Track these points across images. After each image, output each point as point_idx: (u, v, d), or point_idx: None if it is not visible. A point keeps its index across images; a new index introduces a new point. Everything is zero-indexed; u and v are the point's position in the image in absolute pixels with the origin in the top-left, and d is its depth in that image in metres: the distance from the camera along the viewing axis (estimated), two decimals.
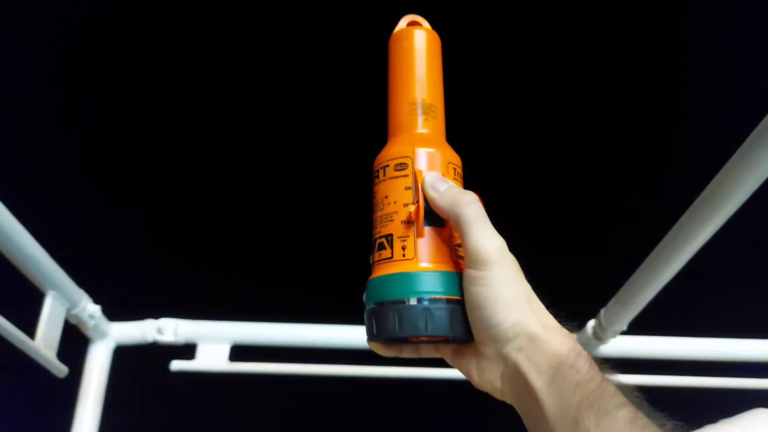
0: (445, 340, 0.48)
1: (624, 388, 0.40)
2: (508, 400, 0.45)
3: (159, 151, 1.51)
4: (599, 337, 1.23)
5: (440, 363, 1.30)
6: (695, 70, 1.41)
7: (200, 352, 1.29)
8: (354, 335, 1.28)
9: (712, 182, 0.80)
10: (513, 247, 0.47)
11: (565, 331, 0.43)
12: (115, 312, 1.25)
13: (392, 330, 0.46)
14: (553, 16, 1.37)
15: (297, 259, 1.58)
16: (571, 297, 0.46)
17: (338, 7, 1.34)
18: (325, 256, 1.51)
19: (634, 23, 1.39)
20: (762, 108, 0.67)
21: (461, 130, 0.59)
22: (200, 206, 1.56)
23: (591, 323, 1.24)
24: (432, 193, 0.47)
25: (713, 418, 0.39)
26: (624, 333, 1.21)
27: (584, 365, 0.40)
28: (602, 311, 1.20)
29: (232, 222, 1.59)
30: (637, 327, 1.19)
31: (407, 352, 0.51)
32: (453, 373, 1.28)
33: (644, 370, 1.24)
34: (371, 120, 0.55)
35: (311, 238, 1.56)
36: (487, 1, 1.35)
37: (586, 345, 1.25)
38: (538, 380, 0.41)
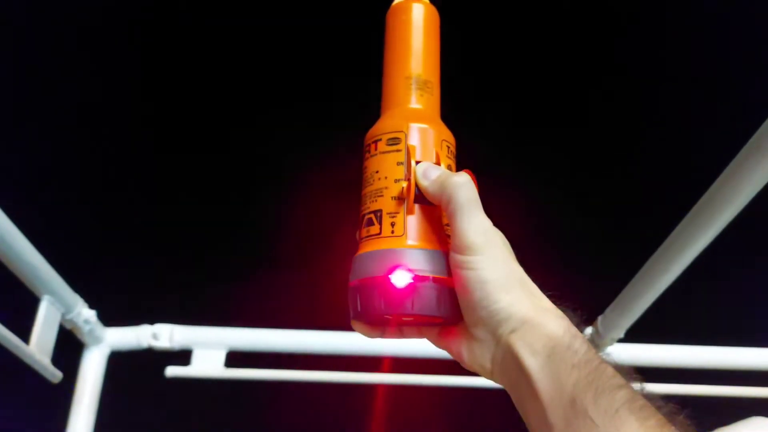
0: (430, 321, 0.47)
1: (622, 371, 0.40)
2: (498, 382, 0.44)
3: (158, 158, 1.51)
4: (596, 344, 1.23)
5: (438, 369, 1.29)
6: (703, 68, 1.41)
7: (196, 358, 1.28)
8: (351, 341, 1.27)
9: (711, 189, 0.80)
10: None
11: (559, 312, 0.43)
12: (110, 317, 1.24)
13: (377, 308, 0.45)
14: (551, 8, 1.36)
15: (294, 265, 1.58)
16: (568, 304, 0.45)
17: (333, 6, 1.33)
18: (324, 262, 1.51)
19: (636, 18, 1.39)
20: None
21: (457, 117, 0.58)
22: (197, 212, 1.56)
23: (588, 331, 1.24)
24: (424, 182, 0.46)
25: (711, 427, 0.38)
26: (621, 341, 1.21)
27: (581, 347, 0.40)
28: (599, 319, 1.20)
29: (228, 228, 1.58)
30: (635, 335, 1.18)
31: (391, 334, 0.49)
32: (451, 380, 1.28)
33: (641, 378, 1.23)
34: (371, 104, 0.54)
35: (310, 244, 1.55)
36: None
37: None
38: (532, 361, 0.40)
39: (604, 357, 0.40)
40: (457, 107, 0.60)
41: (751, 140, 0.72)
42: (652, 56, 1.45)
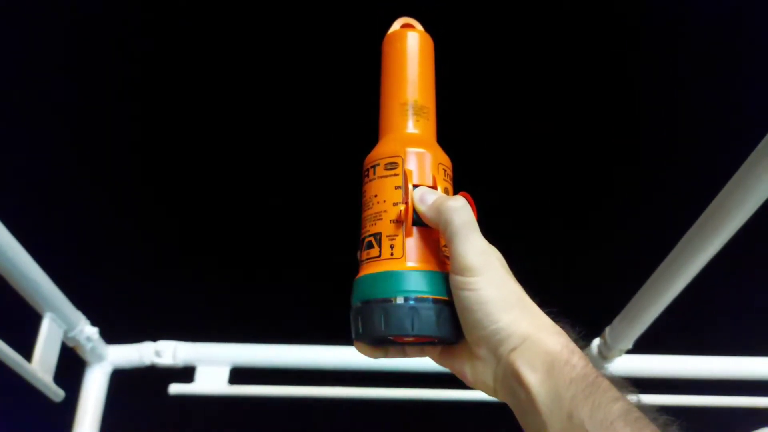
0: (431, 341, 0.48)
1: (618, 384, 0.41)
2: (501, 398, 0.45)
3: (160, 173, 1.51)
4: (604, 356, 1.21)
5: (443, 384, 1.27)
6: (703, 71, 1.41)
7: (199, 374, 1.27)
8: (357, 357, 1.26)
9: (720, 195, 0.80)
10: (515, 263, 0.47)
11: (558, 328, 0.44)
12: (112, 334, 1.23)
13: (378, 329, 0.45)
14: (550, 18, 1.37)
15: (298, 280, 1.57)
16: (575, 315, 0.46)
17: (332, 10, 1.35)
18: (327, 276, 1.50)
19: (635, 23, 1.39)
20: None
21: (456, 136, 0.59)
22: (200, 228, 1.55)
23: (596, 342, 1.23)
24: (421, 207, 0.47)
25: None
26: (630, 352, 1.19)
27: (579, 362, 0.41)
28: (607, 329, 1.19)
29: (231, 243, 1.57)
30: (643, 345, 1.17)
31: (393, 354, 0.50)
32: (454, 394, 1.27)
33: (650, 389, 1.22)
34: (368, 130, 0.55)
35: (313, 259, 1.54)
36: (482, 5, 1.36)
37: None
38: (532, 376, 0.41)
39: (601, 371, 0.42)
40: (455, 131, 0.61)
41: (760, 146, 0.71)
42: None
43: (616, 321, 1.16)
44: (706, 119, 1.43)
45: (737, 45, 1.37)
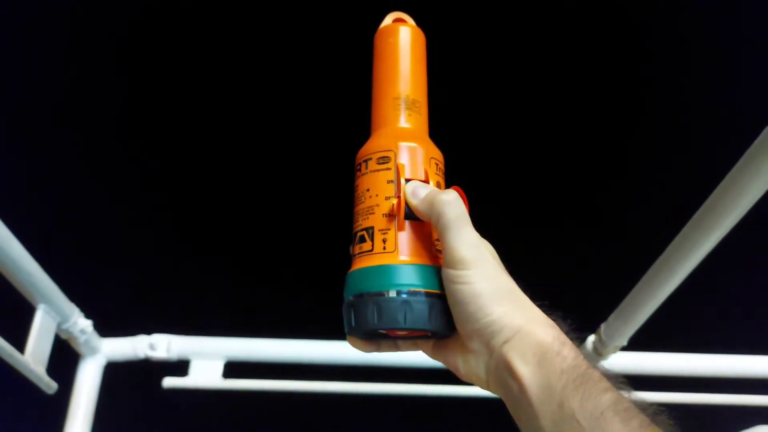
0: (424, 335, 0.48)
1: (609, 376, 0.41)
2: (493, 391, 0.45)
3: (154, 167, 1.50)
4: (599, 352, 1.21)
5: (437, 379, 1.27)
6: (700, 70, 1.41)
7: (193, 368, 1.26)
8: (350, 352, 1.26)
9: (715, 192, 0.80)
10: (510, 258, 0.47)
11: (549, 321, 0.44)
12: (106, 327, 1.23)
13: (371, 322, 0.45)
14: (545, 12, 1.37)
15: (293, 274, 1.57)
16: (571, 311, 0.46)
17: (324, 5, 1.34)
18: (323, 271, 1.50)
19: (634, 21, 1.39)
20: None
21: (449, 131, 0.59)
22: (195, 221, 1.55)
23: (591, 338, 1.23)
24: (413, 201, 0.48)
25: None
26: (624, 348, 1.19)
27: (570, 353, 0.41)
28: (602, 326, 1.19)
29: (226, 237, 1.57)
30: (638, 342, 1.17)
31: (386, 347, 0.51)
32: (449, 390, 1.27)
33: (644, 386, 1.22)
34: (361, 124, 0.56)
35: (308, 254, 1.54)
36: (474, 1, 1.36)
37: None
38: (523, 368, 0.41)
39: (592, 363, 0.42)
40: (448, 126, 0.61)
41: (755, 144, 0.71)
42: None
43: (611, 318, 1.16)
44: (703, 118, 1.43)
45: (736, 43, 1.37)
